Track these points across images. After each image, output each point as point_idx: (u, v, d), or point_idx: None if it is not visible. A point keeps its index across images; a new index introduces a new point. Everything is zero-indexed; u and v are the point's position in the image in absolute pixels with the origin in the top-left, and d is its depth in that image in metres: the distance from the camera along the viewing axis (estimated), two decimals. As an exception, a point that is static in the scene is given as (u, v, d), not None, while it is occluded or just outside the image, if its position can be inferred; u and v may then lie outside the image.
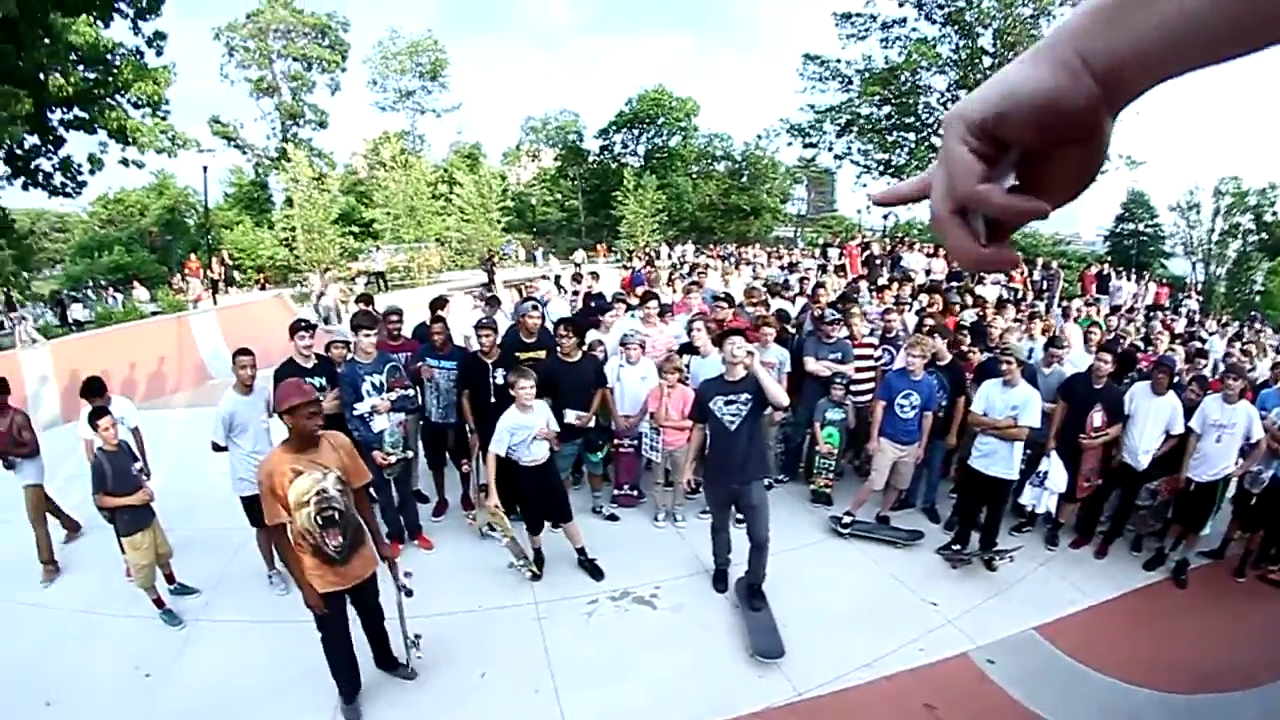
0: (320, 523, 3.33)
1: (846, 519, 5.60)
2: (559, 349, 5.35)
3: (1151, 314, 13.24)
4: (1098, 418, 5.23)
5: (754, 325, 6.16)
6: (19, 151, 15.06)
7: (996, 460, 5.03)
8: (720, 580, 4.92)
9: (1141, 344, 7.90)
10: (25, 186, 15.84)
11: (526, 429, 4.60)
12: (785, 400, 4.49)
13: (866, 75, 31.00)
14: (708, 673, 4.14)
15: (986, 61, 28.59)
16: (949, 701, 3.90)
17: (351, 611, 3.71)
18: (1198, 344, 7.80)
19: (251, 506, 4.63)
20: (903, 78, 30.28)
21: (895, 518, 5.80)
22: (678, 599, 4.82)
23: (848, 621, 4.57)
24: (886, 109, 31.54)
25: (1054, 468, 5.23)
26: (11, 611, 4.80)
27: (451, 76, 38.96)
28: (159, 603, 4.65)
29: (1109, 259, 21.56)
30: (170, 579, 4.89)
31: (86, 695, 3.98)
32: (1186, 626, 4.67)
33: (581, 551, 5.04)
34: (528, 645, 4.36)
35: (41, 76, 13.42)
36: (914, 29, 29.91)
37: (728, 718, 3.79)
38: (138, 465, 4.63)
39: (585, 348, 5.66)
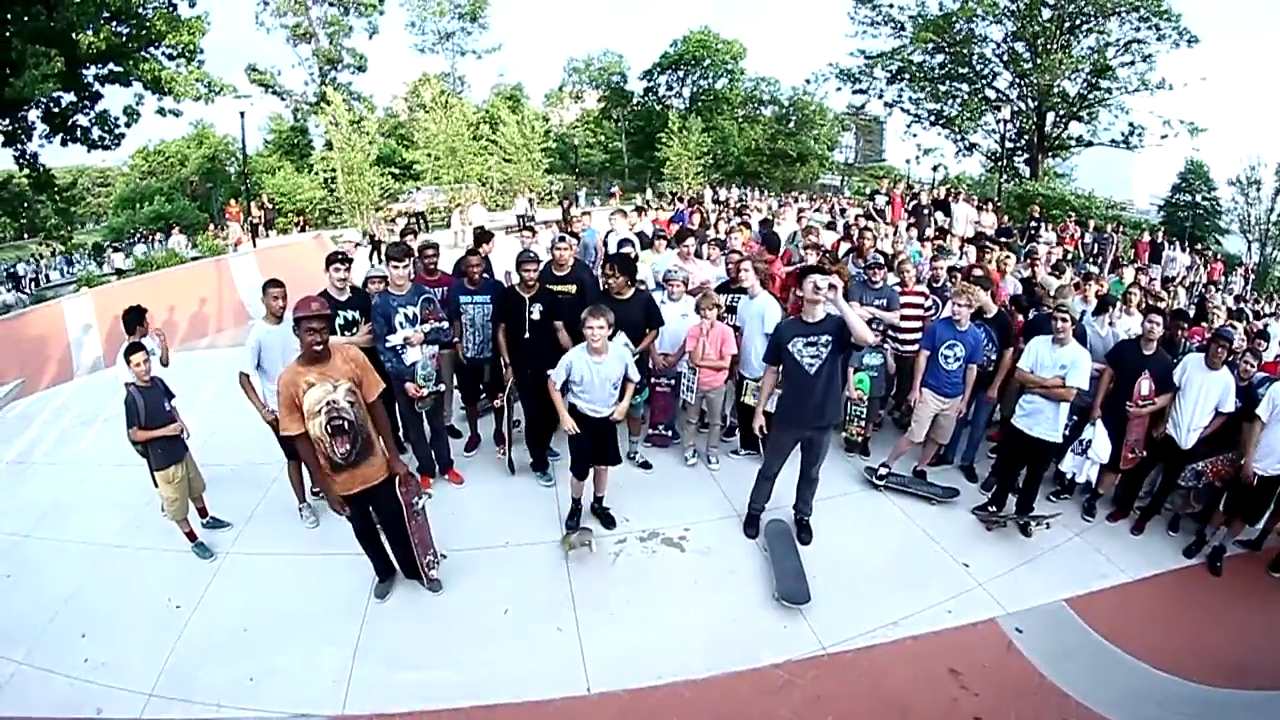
0: (330, 431, 3.55)
1: (882, 470, 5.47)
2: (609, 287, 5.18)
3: (1207, 289, 12.64)
4: (1145, 385, 4.97)
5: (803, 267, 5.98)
6: (55, 110, 15.28)
7: (1040, 420, 4.83)
8: (751, 525, 4.86)
9: (1192, 317, 7.47)
10: (64, 143, 16.13)
11: (596, 375, 4.31)
12: (871, 337, 4.28)
13: (920, 21, 29.73)
14: (733, 619, 4.11)
15: (1046, 13, 27.14)
16: (974, 668, 3.82)
17: None
18: (1260, 324, 7.36)
19: (282, 436, 4.70)
20: (957, 26, 28.98)
21: (932, 473, 5.64)
22: (706, 542, 4.78)
23: (877, 576, 4.49)
24: (939, 57, 30.32)
25: (1098, 436, 5.01)
26: (48, 550, 4.94)
27: (491, 17, 37.64)
28: (191, 536, 4.75)
29: (1163, 229, 20.62)
30: (203, 512, 4.98)
31: (119, 626, 4.11)
32: (1219, 616, 4.47)
33: (599, 499, 4.98)
34: (553, 583, 4.37)
35: (73, 35, 13.48)
36: (971, -25, 28.47)
37: (751, 666, 3.77)
38: (172, 400, 4.68)
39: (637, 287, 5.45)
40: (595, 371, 4.30)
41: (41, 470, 6.24)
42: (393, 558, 4.22)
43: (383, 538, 4.11)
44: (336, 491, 3.73)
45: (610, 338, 4.32)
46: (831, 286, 4.07)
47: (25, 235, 29.13)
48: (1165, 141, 27.44)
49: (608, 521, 4.94)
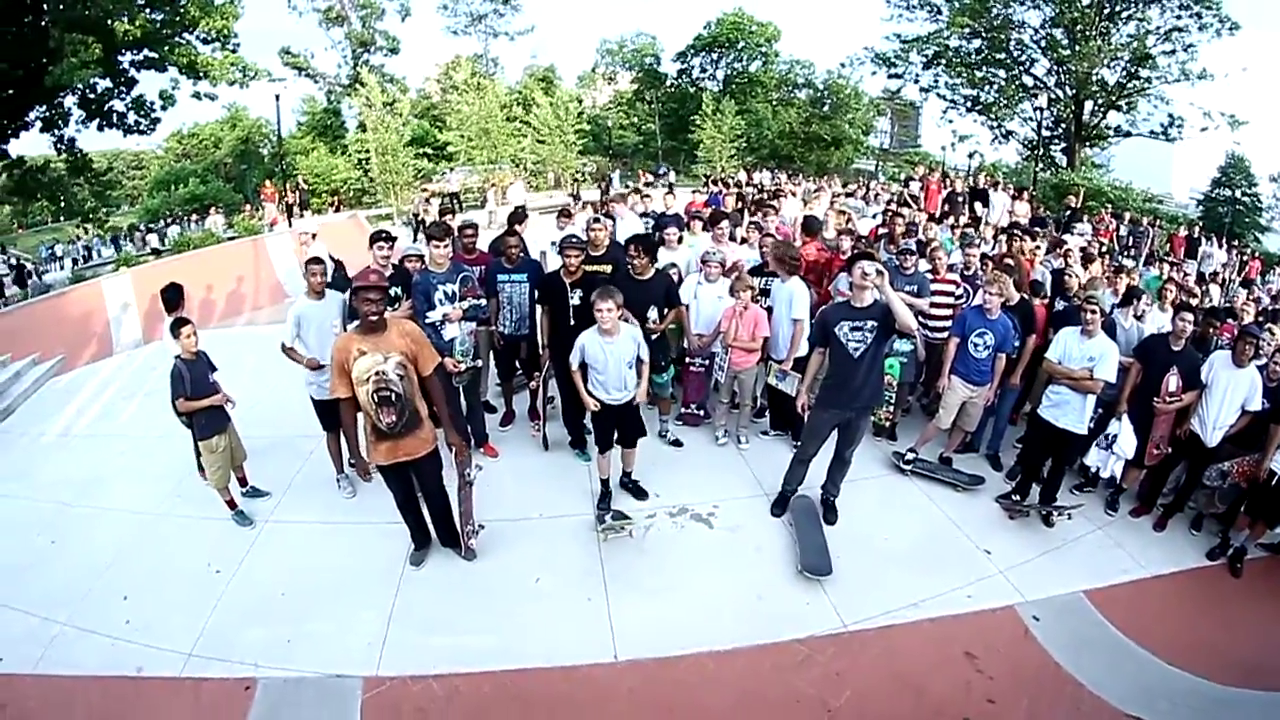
0: (376, 400, 3.65)
1: (909, 455, 5.52)
2: (630, 267, 5.25)
3: (1238, 286, 12.37)
4: (1173, 381, 4.92)
5: (835, 252, 5.98)
6: (91, 95, 15.61)
7: (1067, 412, 4.83)
8: (780, 505, 4.94)
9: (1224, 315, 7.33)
10: (101, 127, 16.43)
11: (609, 356, 4.37)
12: (914, 324, 4.33)
13: (956, 6, 29.05)
14: (758, 594, 4.20)
15: (1085, 0, 26.45)
16: (990, 653, 3.87)
17: None
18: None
19: (321, 408, 4.89)
20: (994, 10, 28.21)
21: (958, 461, 5.66)
22: (734, 519, 4.87)
23: (900, 558, 4.54)
24: (976, 42, 29.59)
25: (1124, 431, 4.98)
26: (92, 516, 5.14)
27: None
28: (231, 504, 4.92)
29: (1200, 223, 20.09)
30: (243, 481, 5.16)
31: (160, 589, 4.30)
32: (1238, 617, 4.45)
33: (628, 474, 5.07)
34: (584, 555, 4.49)
35: (109, 23, 13.76)
36: (1008, -42, 27.80)
37: (773, 640, 3.86)
38: (214, 372, 4.86)
39: (658, 268, 5.53)
40: (608, 352, 4.38)
41: (84, 442, 6.46)
42: (431, 527, 4.36)
43: (423, 508, 4.25)
44: (372, 458, 3.87)
45: (623, 319, 4.42)
46: (879, 273, 4.12)
47: (63, 218, 29.81)
48: (1205, 134, 26.64)
49: (639, 494, 5.05)
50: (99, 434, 6.64)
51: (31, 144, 16.99)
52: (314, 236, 7.20)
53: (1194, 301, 6.75)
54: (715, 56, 38.18)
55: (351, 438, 3.98)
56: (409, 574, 4.31)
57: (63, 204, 17.38)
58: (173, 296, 5.39)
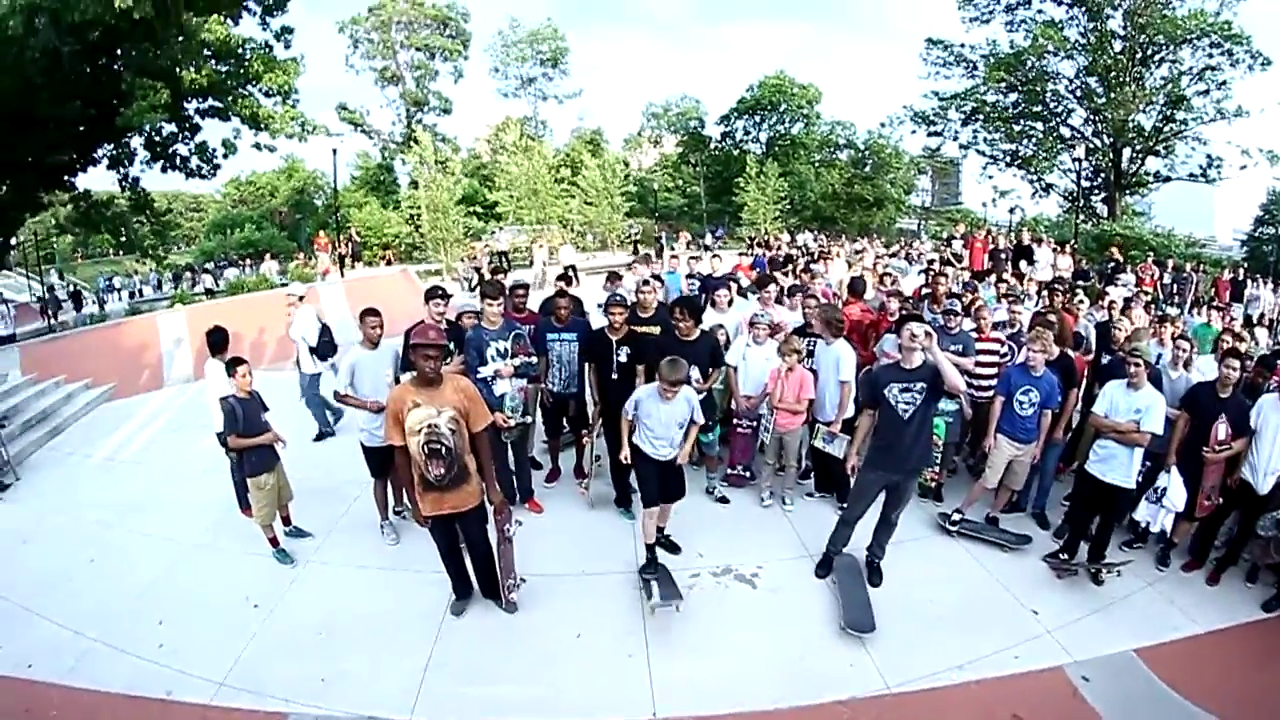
0: (426, 452, 3.74)
1: (956, 516, 5.43)
2: (677, 329, 5.34)
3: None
4: (1222, 430, 4.80)
5: (879, 312, 5.99)
6: (157, 139, 16.52)
7: (1114, 466, 4.73)
8: (824, 566, 4.88)
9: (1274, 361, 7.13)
10: (164, 169, 17.33)
11: (663, 414, 4.45)
12: (963, 385, 4.35)
13: (991, 61, 29.48)
14: (800, 655, 4.13)
15: (1117, 45, 26.50)
16: (1039, 714, 3.75)
17: None
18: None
19: (371, 455, 5.01)
20: (1029, 63, 28.54)
21: (1005, 520, 5.56)
22: (778, 580, 4.83)
23: (946, 619, 4.44)
24: (1013, 96, 29.94)
25: (1173, 484, 4.84)
26: (134, 541, 5.29)
27: (572, 64, 39.45)
28: (274, 542, 5.04)
29: (1245, 264, 19.58)
30: (287, 521, 5.27)
31: (195, 617, 4.39)
32: None
33: (661, 529, 5.04)
34: (626, 611, 4.48)
35: (177, 71, 14.65)
36: (1039, 10, 28.15)
37: (815, 702, 3.79)
38: (267, 413, 5.02)
39: (704, 329, 5.61)
40: (663, 410, 4.46)
41: (130, 468, 6.68)
42: (473, 578, 4.39)
43: (466, 559, 4.30)
44: (422, 510, 3.95)
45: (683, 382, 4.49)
46: (928, 334, 4.16)
47: (122, 252, 31.32)
48: (1245, 172, 26.29)
49: (672, 548, 5.04)
50: (144, 461, 6.87)
51: (98, 179, 18.04)
52: (301, 299, 7.39)
53: (1241, 347, 6.58)
54: (758, 119, 39.11)
55: (407, 482, 4.05)
56: (449, 622, 4.34)
57: (123, 238, 18.27)
58: (219, 339, 5.60)
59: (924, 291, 7.85)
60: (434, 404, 3.74)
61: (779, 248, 14.54)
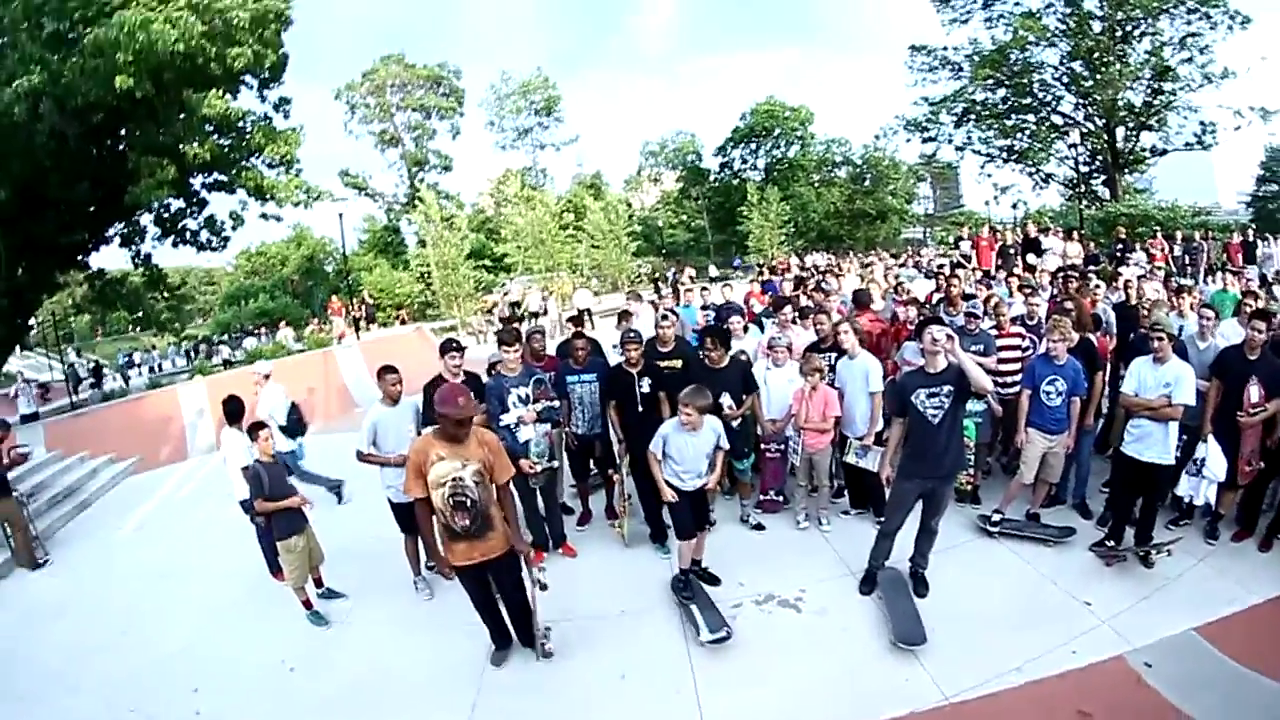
0: (451, 504, 3.72)
1: (996, 517, 5.33)
2: (707, 358, 5.37)
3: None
4: (1254, 391, 4.72)
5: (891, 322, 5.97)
6: (166, 215, 16.92)
7: (1151, 444, 4.65)
8: (868, 582, 4.79)
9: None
10: (175, 245, 17.63)
11: (690, 447, 4.44)
12: (989, 385, 4.30)
13: (976, 59, 29.78)
14: (852, 675, 4.03)
15: (1096, 26, 26.63)
16: (1104, 706, 3.62)
17: None
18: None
19: (399, 511, 4.98)
20: (1012, 57, 28.81)
21: (1046, 515, 5.46)
22: (822, 602, 4.73)
23: (997, 623, 4.33)
24: (1001, 91, 30.16)
25: (1211, 453, 4.75)
26: (163, 608, 5.29)
27: (565, 110, 40.22)
28: (307, 604, 5.00)
29: (1254, 225, 19.34)
30: (319, 583, 5.24)
31: (231, 682, 4.35)
32: None
33: (697, 562, 4.98)
34: (670, 647, 4.39)
35: (180, 147, 15.07)
36: (1016, 3, 28.44)
37: (873, 720, 3.68)
38: (291, 476, 5.05)
39: (732, 355, 5.64)
40: (689, 443, 4.44)
41: (160, 537, 6.72)
42: (510, 627, 4.33)
43: (501, 608, 4.24)
44: (450, 559, 3.88)
45: (711, 410, 4.49)
46: (949, 337, 4.15)
47: (139, 328, 31.95)
48: (1239, 133, 26.17)
49: (711, 580, 4.96)
50: (173, 531, 6.90)
51: (111, 258, 18.49)
52: (267, 377, 7.37)
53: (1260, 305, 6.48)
54: (754, 146, 39.75)
55: (429, 537, 4.01)
56: (490, 675, 4.26)
57: (139, 314, 18.62)
58: (234, 409, 5.63)
59: (936, 297, 7.83)
60: (458, 458, 3.72)
61: (786, 269, 14.61)
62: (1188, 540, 4.94)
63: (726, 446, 4.63)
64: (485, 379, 5.40)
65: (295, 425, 7.23)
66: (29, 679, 4.48)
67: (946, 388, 4.20)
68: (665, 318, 5.93)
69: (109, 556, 6.34)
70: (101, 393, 15.02)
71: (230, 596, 5.41)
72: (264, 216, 17.74)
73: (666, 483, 4.52)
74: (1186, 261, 13.54)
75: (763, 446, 5.88)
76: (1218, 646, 3.97)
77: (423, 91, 37.52)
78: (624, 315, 7.81)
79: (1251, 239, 14.76)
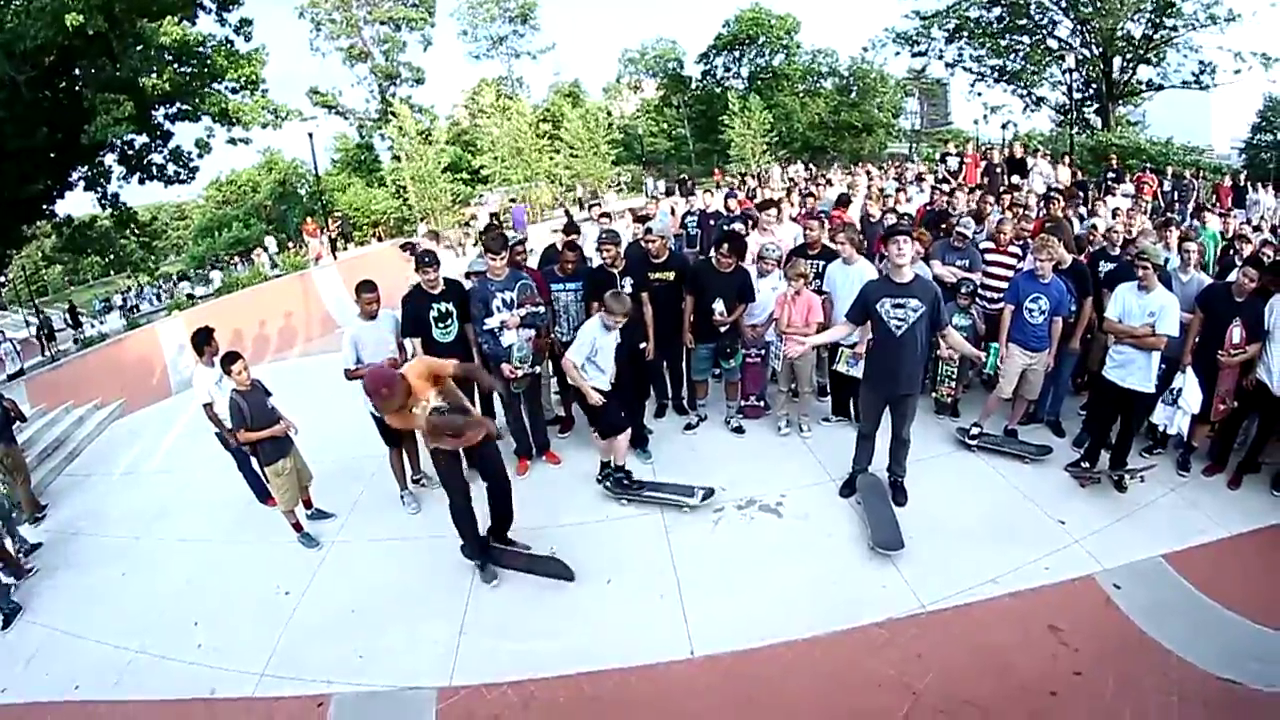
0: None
1: (974, 430, 5.42)
2: (718, 261, 5.44)
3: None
4: (1237, 333, 4.74)
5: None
6: (130, 151, 16.29)
7: (1133, 371, 4.68)
8: (848, 486, 4.90)
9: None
10: (142, 181, 17.02)
11: (611, 345, 4.66)
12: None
13: (972, -28, 28.63)
14: (833, 581, 4.15)
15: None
16: (1073, 624, 3.77)
17: None
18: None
19: (383, 425, 4.91)
20: (1010, -27, 27.72)
21: (1023, 432, 5.54)
22: (803, 508, 4.83)
23: (973, 535, 4.44)
24: (996, 10, 29.04)
25: (1188, 385, 4.81)
26: (160, 548, 5.32)
27: (542, 18, 37.94)
28: (297, 527, 5.03)
29: (1245, 171, 19.27)
30: (307, 504, 5.27)
31: (229, 613, 4.42)
32: None
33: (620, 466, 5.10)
34: (654, 553, 4.49)
35: (139, 81, 14.35)
36: (1018, -84, 27.19)
37: (851, 626, 3.81)
38: (271, 398, 4.98)
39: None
40: (609, 341, 4.63)
41: (150, 479, 6.69)
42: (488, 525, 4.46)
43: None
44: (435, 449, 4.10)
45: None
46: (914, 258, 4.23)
47: (113, 271, 31.12)
48: (1239, 77, 25.58)
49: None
50: (163, 470, 6.87)
51: (77, 203, 17.85)
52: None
53: (1247, 250, 6.47)
54: (737, 54, 37.95)
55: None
56: (478, 584, 4.35)
57: (112, 257, 18.11)
58: (202, 339, 5.47)
59: (929, 209, 7.75)
60: (419, 402, 3.81)
61: (766, 181, 14.35)
62: (1160, 470, 5.02)
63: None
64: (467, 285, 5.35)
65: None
66: (36, 635, 4.50)
67: (914, 301, 4.21)
68: (649, 230, 5.86)
69: (103, 503, 6.31)
70: (83, 339, 14.63)
71: (222, 528, 5.43)
72: (232, 141, 17.23)
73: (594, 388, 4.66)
74: (1175, 198, 13.47)
75: (744, 351, 5.84)
76: (1185, 575, 4.10)
77: (391, 3, 35.61)
78: (603, 215, 7.76)
79: (1242, 184, 14.70)
